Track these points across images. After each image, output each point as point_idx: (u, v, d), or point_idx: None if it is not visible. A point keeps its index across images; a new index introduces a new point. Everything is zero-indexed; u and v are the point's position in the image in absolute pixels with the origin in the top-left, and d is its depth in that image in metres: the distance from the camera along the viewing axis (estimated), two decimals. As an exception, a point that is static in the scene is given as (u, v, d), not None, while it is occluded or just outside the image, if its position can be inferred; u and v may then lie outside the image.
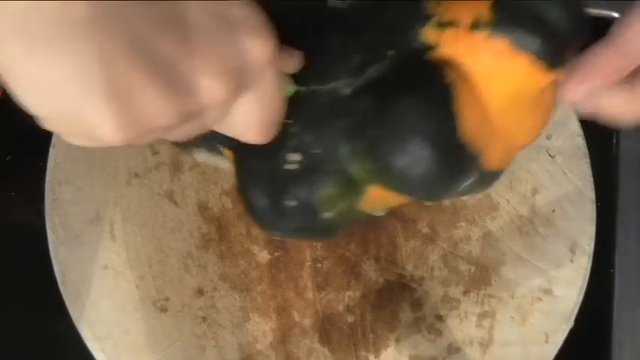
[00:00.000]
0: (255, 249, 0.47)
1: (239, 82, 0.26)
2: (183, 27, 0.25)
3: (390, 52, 0.33)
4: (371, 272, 0.47)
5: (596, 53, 0.32)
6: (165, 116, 0.25)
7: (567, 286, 0.48)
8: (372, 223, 0.48)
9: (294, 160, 0.34)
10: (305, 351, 0.46)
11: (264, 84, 0.28)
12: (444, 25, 0.33)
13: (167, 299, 0.46)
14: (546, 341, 0.47)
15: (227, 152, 0.38)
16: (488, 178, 0.36)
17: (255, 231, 0.47)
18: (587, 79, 0.32)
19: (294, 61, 0.32)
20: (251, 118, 0.29)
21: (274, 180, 0.34)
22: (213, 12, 0.25)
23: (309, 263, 0.47)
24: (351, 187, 0.35)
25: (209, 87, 0.25)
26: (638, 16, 0.31)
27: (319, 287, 0.47)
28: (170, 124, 0.25)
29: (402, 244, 0.48)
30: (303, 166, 0.34)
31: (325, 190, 0.34)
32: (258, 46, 0.27)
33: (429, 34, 0.33)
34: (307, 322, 0.47)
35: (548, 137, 0.49)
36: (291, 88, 0.32)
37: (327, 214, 0.35)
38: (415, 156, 0.32)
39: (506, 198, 0.48)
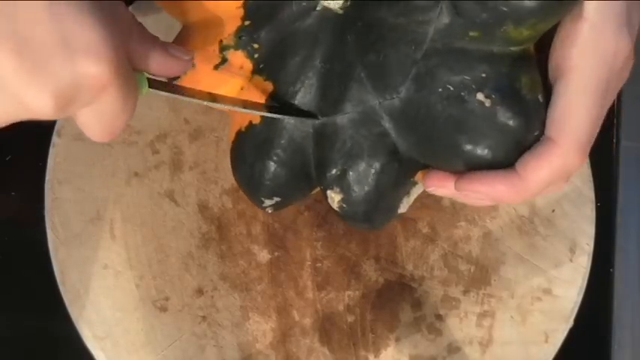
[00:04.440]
0: (255, 249, 0.47)
1: (69, 100, 0.28)
2: (25, 45, 0.27)
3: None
4: (371, 272, 0.47)
5: (490, 180, 0.34)
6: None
7: (567, 286, 0.48)
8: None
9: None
10: (305, 351, 0.46)
11: (104, 102, 0.29)
12: None
13: (167, 299, 0.46)
14: (546, 341, 0.47)
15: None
16: None
17: (256, 230, 0.47)
18: (451, 187, 0.36)
19: (164, 63, 0.34)
20: (91, 126, 0.31)
21: None
22: (57, 36, 0.27)
23: (309, 263, 0.47)
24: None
25: (38, 103, 0.27)
26: (539, 160, 0.34)
27: (319, 287, 0.47)
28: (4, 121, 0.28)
29: (402, 243, 0.48)
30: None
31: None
32: (94, 72, 0.28)
33: None
34: (307, 321, 0.47)
35: (548, 137, 0.49)
36: (145, 90, 0.33)
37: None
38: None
39: (506, 198, 0.48)
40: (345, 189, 0.37)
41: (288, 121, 0.37)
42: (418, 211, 0.48)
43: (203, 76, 0.37)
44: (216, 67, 0.37)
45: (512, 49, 0.34)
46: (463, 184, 0.35)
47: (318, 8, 0.36)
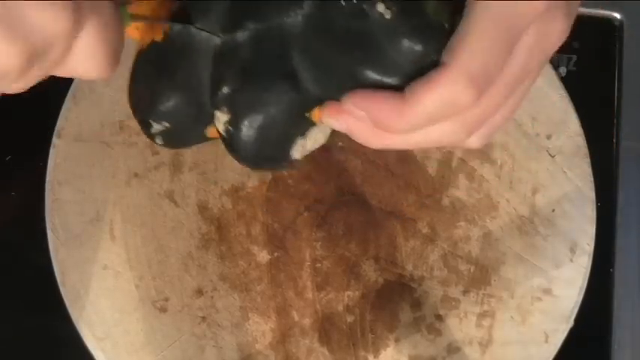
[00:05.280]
0: (255, 249, 0.47)
1: (78, 12, 0.27)
2: None
3: None
4: (371, 272, 0.47)
5: (373, 97, 0.33)
6: (12, 57, 0.26)
7: (567, 286, 0.48)
8: (371, 223, 0.48)
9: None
10: (304, 351, 0.46)
11: (102, 15, 0.29)
12: None
13: (167, 299, 0.47)
14: (546, 341, 0.47)
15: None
16: None
17: (255, 231, 0.47)
18: (352, 115, 0.34)
19: None
20: (92, 53, 0.29)
21: None
22: None
23: (309, 263, 0.47)
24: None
25: (51, 18, 0.26)
26: (425, 83, 0.32)
27: (319, 287, 0.47)
28: (17, 65, 0.26)
29: (402, 244, 0.48)
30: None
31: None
32: None
33: None
34: (307, 322, 0.47)
35: (549, 137, 0.49)
36: (128, 21, 0.33)
37: None
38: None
39: (506, 198, 0.48)
40: (233, 109, 0.35)
41: (190, 41, 0.35)
42: (418, 211, 0.48)
43: None
44: None
45: None
46: (348, 99, 0.34)
47: None
